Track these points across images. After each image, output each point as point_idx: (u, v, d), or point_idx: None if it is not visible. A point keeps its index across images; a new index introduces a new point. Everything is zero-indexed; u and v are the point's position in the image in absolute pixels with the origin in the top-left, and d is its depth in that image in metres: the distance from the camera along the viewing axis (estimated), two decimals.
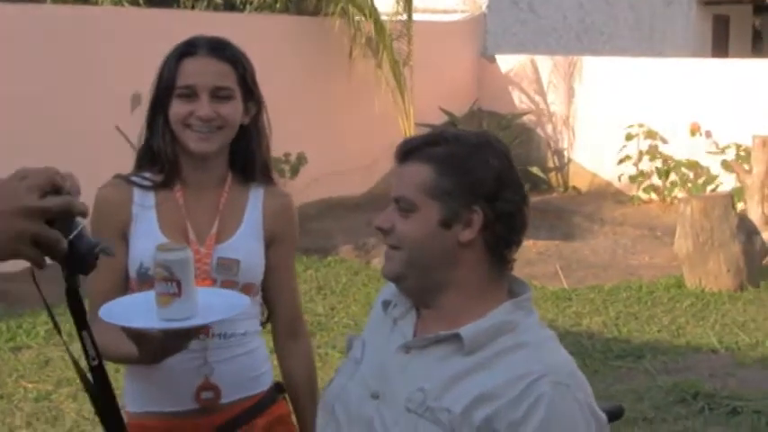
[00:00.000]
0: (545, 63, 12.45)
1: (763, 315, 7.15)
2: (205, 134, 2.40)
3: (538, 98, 12.48)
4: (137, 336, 2.08)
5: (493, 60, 12.79)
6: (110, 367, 1.87)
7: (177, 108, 2.41)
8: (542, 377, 1.84)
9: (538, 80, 12.48)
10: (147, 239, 2.38)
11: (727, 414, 5.30)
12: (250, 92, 2.48)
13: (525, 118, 12.39)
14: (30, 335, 6.49)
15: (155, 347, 2.11)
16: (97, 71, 8.48)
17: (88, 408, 5.32)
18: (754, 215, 9.33)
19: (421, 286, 1.99)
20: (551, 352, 1.93)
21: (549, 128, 12.41)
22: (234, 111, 2.43)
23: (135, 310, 2.07)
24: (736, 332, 6.74)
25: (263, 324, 2.62)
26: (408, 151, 1.99)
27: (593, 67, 12.19)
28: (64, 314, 6.48)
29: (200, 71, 2.40)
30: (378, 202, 10.80)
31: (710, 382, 5.73)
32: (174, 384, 2.43)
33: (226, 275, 2.43)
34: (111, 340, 2.25)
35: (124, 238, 2.45)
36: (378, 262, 8.68)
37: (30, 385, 5.65)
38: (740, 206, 9.02)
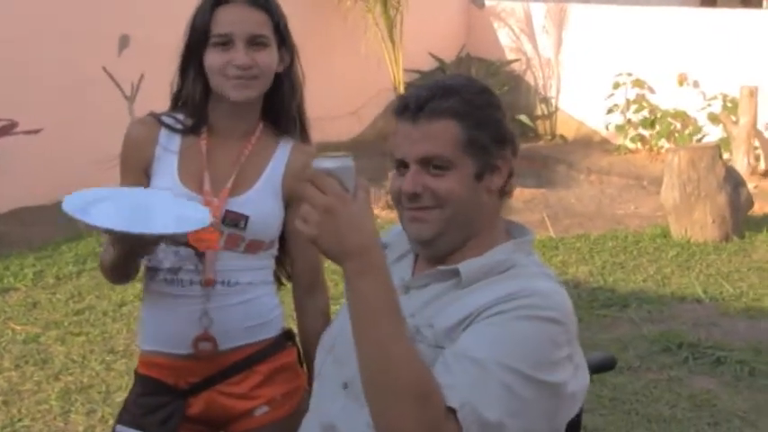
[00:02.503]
0: (534, 10, 12.38)
1: (747, 266, 7.21)
2: (244, 81, 2.40)
3: (526, 45, 12.42)
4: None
5: (482, 6, 12.71)
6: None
7: (214, 57, 2.41)
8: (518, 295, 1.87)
9: (526, 27, 12.41)
10: (163, 182, 2.44)
11: (711, 363, 5.36)
12: (283, 40, 2.48)
13: (514, 65, 12.35)
14: (17, 277, 6.48)
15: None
16: (84, 11, 8.38)
17: (77, 350, 5.35)
18: (741, 166, 9.38)
19: (456, 242, 2.00)
20: (539, 280, 1.95)
21: (538, 75, 12.37)
22: (270, 59, 2.44)
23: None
24: (721, 282, 6.79)
25: (280, 281, 2.67)
26: (420, 107, 1.96)
27: (582, 14, 12.12)
28: (51, 256, 6.52)
29: (236, 19, 2.40)
30: (365, 149, 10.75)
31: (695, 332, 5.78)
32: (174, 329, 2.49)
33: (232, 229, 2.44)
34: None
35: (146, 174, 2.49)
36: None
37: (18, 327, 5.66)
38: (725, 156, 9.03)
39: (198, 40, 2.43)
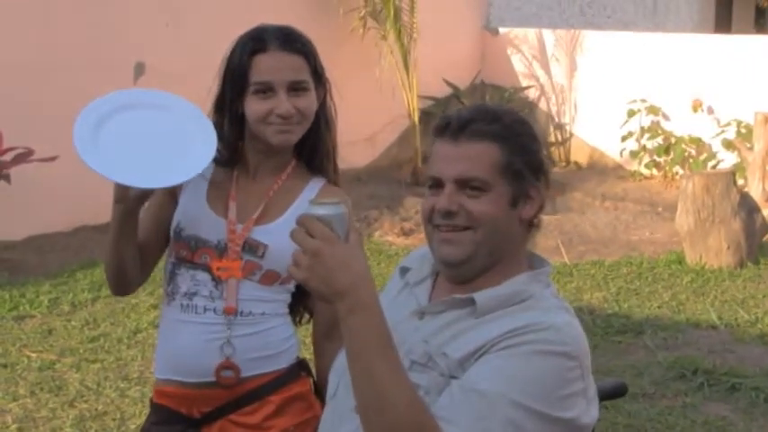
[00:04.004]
0: (548, 37, 12.42)
1: (762, 292, 7.18)
2: (285, 128, 2.44)
3: (540, 72, 12.45)
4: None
5: (496, 33, 12.75)
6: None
7: (256, 106, 2.44)
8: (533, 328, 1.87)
9: (541, 54, 12.44)
10: (190, 204, 2.51)
11: (726, 390, 5.34)
12: (319, 78, 2.52)
13: (528, 92, 12.37)
14: (33, 304, 6.50)
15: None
16: (100, 39, 8.44)
17: (92, 377, 5.36)
18: (755, 192, 9.34)
19: (483, 266, 1.99)
20: (553, 313, 1.95)
21: (552, 102, 12.40)
22: (310, 102, 2.48)
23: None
24: (736, 309, 6.77)
25: (299, 321, 2.69)
26: (462, 127, 1.98)
27: (596, 41, 12.16)
28: (66, 283, 6.53)
29: (275, 67, 2.43)
30: (380, 176, 10.80)
31: (710, 359, 5.76)
32: (190, 357, 2.50)
33: (250, 256, 2.47)
34: None
35: (173, 196, 2.55)
36: (379, 235, 8.68)
37: (33, 354, 5.67)
38: (740, 182, 9.02)
39: (235, 86, 2.46)
